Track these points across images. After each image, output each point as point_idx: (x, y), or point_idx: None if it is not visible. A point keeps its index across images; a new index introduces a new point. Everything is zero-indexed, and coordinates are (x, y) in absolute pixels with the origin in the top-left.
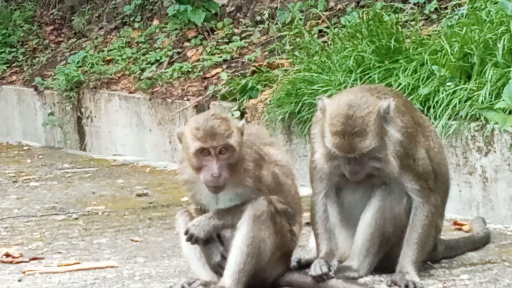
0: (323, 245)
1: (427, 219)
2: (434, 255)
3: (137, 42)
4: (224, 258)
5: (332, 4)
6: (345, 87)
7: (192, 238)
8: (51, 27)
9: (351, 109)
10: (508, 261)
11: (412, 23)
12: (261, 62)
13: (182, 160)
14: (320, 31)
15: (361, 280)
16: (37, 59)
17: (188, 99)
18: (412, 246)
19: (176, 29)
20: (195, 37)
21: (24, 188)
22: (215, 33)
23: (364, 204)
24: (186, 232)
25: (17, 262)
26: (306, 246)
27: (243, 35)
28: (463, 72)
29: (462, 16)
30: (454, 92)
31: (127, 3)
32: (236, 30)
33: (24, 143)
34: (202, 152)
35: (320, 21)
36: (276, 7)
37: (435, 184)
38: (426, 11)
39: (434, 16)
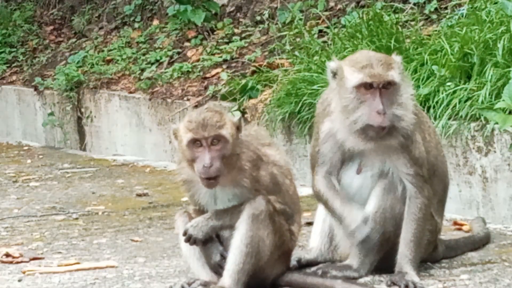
0: (348, 212)
1: (421, 212)
2: (434, 255)
3: (137, 42)
4: (223, 257)
5: (332, 4)
6: None
7: (190, 239)
8: (51, 27)
9: (371, 52)
10: (508, 261)
11: (412, 23)
12: (261, 62)
13: (180, 161)
14: (320, 31)
15: (361, 280)
16: (37, 59)
17: (188, 99)
18: (409, 245)
19: (176, 29)
20: (195, 37)
21: (24, 188)
22: (215, 33)
23: (362, 200)
24: (185, 233)
25: (17, 262)
26: (306, 246)
27: (243, 35)
28: (463, 72)
29: (462, 16)
30: (454, 92)
31: (127, 3)
32: (236, 30)
33: (24, 143)
34: (194, 143)
35: (320, 21)
36: (276, 7)
37: (431, 180)
38: (426, 11)
39: (434, 16)
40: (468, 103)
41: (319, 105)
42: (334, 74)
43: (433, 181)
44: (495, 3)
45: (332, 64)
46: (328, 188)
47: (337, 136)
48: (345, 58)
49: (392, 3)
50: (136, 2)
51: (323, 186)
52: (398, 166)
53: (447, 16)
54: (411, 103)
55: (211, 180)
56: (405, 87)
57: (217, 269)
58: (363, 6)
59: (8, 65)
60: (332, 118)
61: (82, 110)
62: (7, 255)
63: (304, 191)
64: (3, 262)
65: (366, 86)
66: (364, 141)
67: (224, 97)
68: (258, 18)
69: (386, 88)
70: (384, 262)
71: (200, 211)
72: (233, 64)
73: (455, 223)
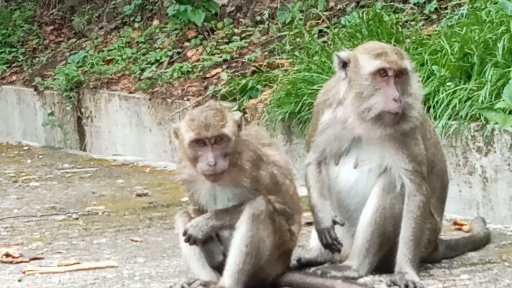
0: (322, 213)
1: (419, 210)
2: (434, 255)
3: (137, 42)
4: (225, 257)
5: (332, 4)
6: None
7: (190, 239)
8: (51, 27)
9: (382, 43)
10: (508, 261)
11: (412, 23)
12: (261, 62)
13: (181, 160)
14: (320, 31)
15: (361, 280)
16: (37, 59)
17: (188, 99)
18: (408, 244)
19: (176, 29)
20: (195, 37)
21: (24, 188)
22: (215, 33)
23: (359, 195)
24: (185, 233)
25: (17, 262)
26: (306, 246)
27: (243, 35)
28: (463, 72)
29: (462, 16)
30: (454, 92)
31: (127, 3)
32: (236, 30)
33: (24, 143)
34: (197, 143)
35: (320, 21)
36: (276, 7)
37: (430, 178)
38: (426, 11)
39: (434, 16)
40: (468, 103)
41: (320, 96)
42: (344, 64)
43: (431, 179)
44: (495, 3)
45: (342, 54)
46: (313, 176)
47: (345, 124)
48: (355, 48)
49: (392, 3)
50: (136, 2)
51: (311, 173)
52: (397, 160)
53: (447, 16)
54: (420, 93)
55: (215, 175)
56: (414, 77)
57: (221, 268)
58: (363, 6)
59: (8, 65)
60: (333, 108)
61: (82, 110)
62: (7, 255)
63: (304, 191)
64: (3, 262)
65: (382, 73)
66: (379, 128)
67: (224, 97)
68: (258, 18)
69: (399, 77)
70: (384, 262)
71: (200, 211)
72: (233, 64)
73: (455, 223)
